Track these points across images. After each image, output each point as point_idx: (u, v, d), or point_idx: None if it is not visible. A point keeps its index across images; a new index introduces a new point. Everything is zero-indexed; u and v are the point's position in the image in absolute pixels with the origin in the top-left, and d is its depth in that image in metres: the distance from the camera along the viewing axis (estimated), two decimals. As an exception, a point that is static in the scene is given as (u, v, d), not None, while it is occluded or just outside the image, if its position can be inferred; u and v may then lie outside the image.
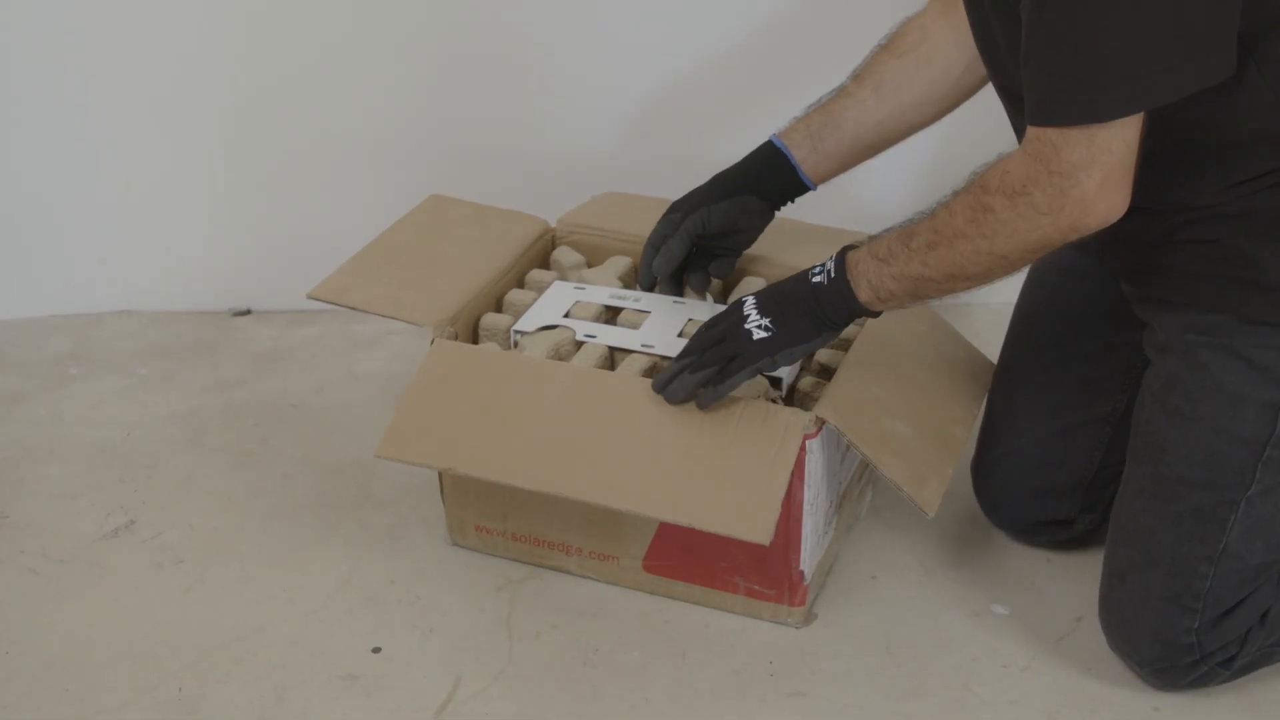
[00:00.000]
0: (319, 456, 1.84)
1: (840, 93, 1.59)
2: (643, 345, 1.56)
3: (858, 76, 1.58)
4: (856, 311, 1.39)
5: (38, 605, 1.59)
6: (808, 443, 1.43)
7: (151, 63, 2.03)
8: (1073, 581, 1.62)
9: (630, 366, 1.53)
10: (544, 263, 1.79)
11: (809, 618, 1.56)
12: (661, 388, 1.44)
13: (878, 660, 1.51)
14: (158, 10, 1.99)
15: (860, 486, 1.70)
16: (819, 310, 1.40)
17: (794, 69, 2.06)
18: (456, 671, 1.49)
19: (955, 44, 1.54)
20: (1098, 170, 1.21)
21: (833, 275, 1.38)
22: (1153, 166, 1.30)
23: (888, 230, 1.38)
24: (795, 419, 1.42)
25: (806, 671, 1.49)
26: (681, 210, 1.61)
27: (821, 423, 1.43)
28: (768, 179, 1.60)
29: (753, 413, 1.44)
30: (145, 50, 2.02)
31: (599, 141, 2.11)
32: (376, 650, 1.52)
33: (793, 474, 1.41)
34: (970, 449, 1.66)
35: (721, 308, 1.49)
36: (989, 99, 1.53)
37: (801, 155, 1.59)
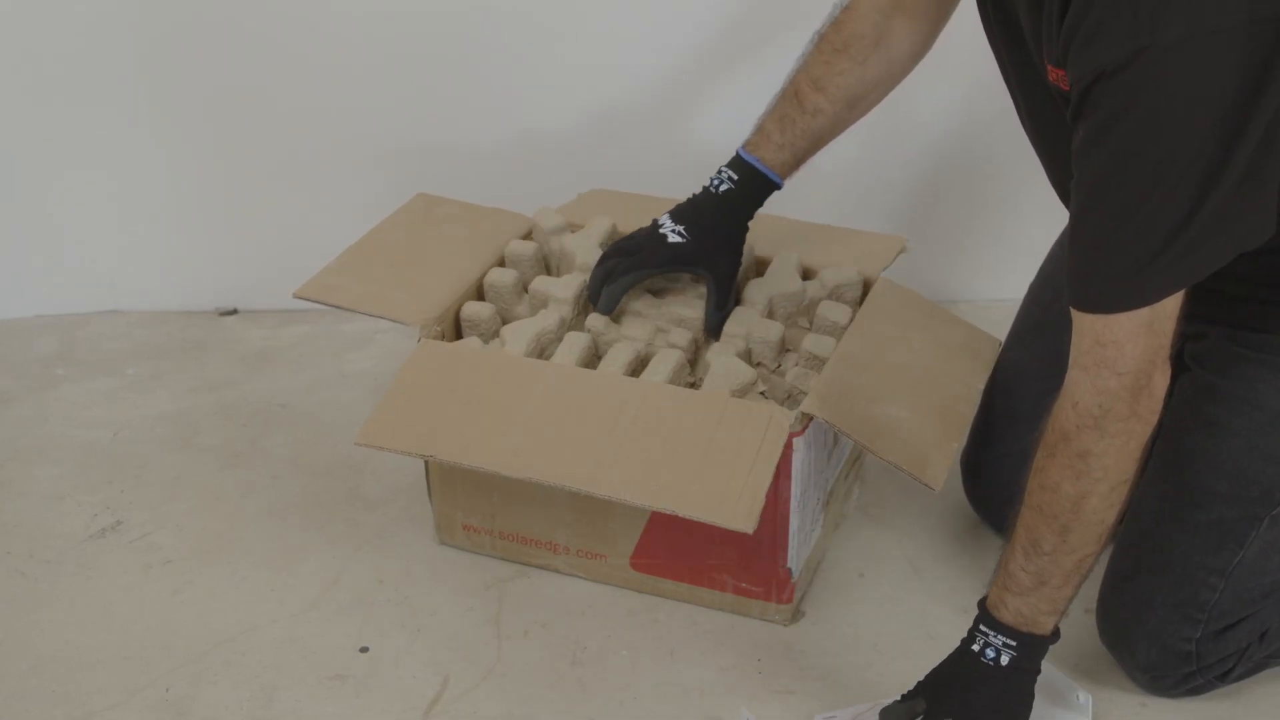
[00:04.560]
0: (308, 457, 1.84)
1: (814, 111, 1.54)
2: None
3: (823, 89, 1.53)
4: (1051, 643, 1.31)
5: (26, 607, 1.59)
6: (794, 440, 1.43)
7: (139, 63, 2.03)
8: (1060, 577, 1.62)
9: (615, 359, 1.53)
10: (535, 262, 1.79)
11: (797, 615, 1.57)
12: None
13: (865, 657, 1.51)
14: (145, 11, 1.99)
15: (848, 484, 1.70)
16: (1027, 677, 1.31)
17: (778, 65, 2.06)
18: (445, 671, 1.49)
19: (910, 38, 1.53)
20: (1147, 351, 1.19)
21: (1015, 645, 1.29)
22: None
23: (1004, 562, 1.30)
24: (781, 416, 1.42)
25: (794, 669, 1.50)
26: (640, 266, 1.58)
27: (808, 420, 1.44)
28: (750, 206, 1.58)
29: (739, 408, 1.44)
30: (132, 51, 2.02)
31: (586, 140, 2.11)
32: (365, 650, 1.52)
33: (779, 471, 1.42)
34: (963, 446, 1.65)
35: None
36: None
37: (785, 177, 1.57)
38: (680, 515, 1.36)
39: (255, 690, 1.47)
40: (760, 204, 1.58)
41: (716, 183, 1.56)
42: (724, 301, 1.58)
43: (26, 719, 1.43)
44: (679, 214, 1.58)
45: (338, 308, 1.62)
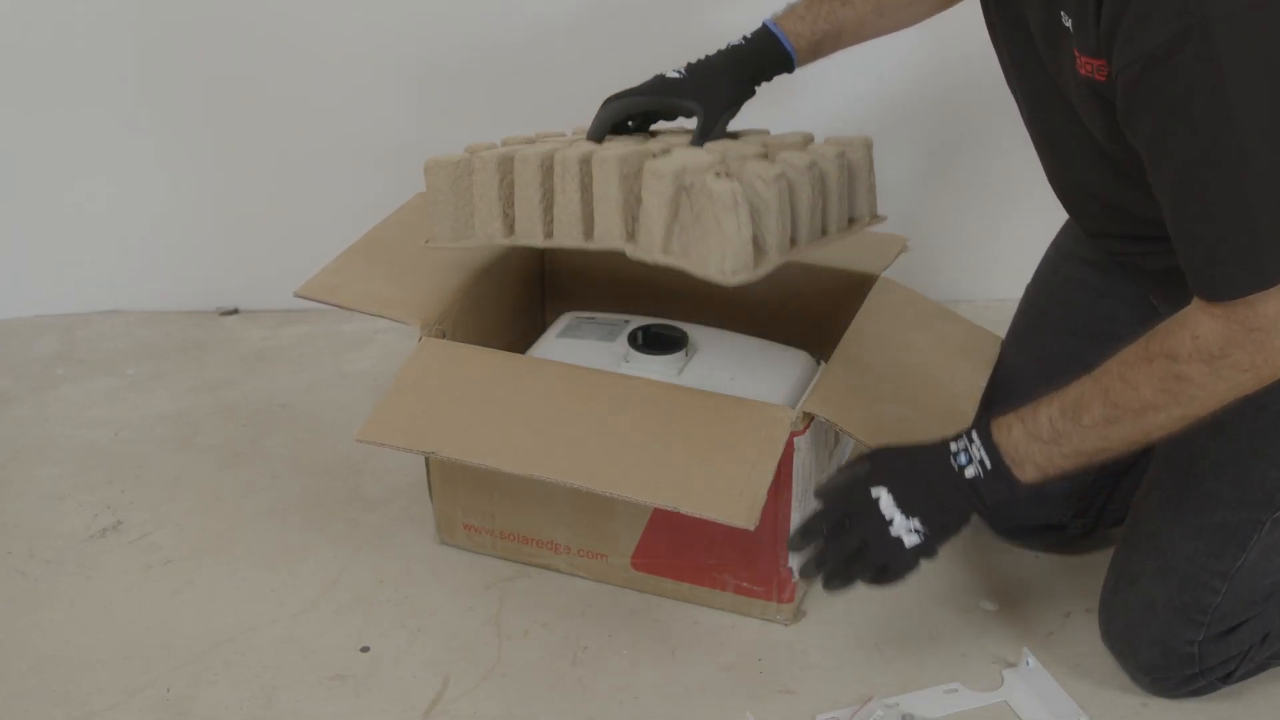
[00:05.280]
0: (308, 456, 1.84)
1: (845, 1, 1.53)
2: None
3: None
4: (1017, 494, 1.31)
5: (26, 607, 1.59)
6: (795, 440, 1.43)
7: (139, 63, 2.03)
8: (1061, 578, 1.62)
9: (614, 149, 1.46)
10: (532, 260, 1.79)
11: (798, 614, 1.56)
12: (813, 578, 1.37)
13: (866, 656, 1.51)
14: (145, 11, 1.99)
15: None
16: (979, 502, 1.31)
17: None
18: (445, 670, 1.49)
19: None
20: None
21: (989, 465, 1.29)
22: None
23: (1033, 405, 1.29)
24: (783, 415, 1.42)
25: (795, 668, 1.50)
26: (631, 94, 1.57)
27: (809, 419, 1.44)
28: (760, 67, 1.55)
29: (740, 406, 1.44)
30: (133, 51, 2.02)
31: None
32: (365, 650, 1.52)
33: (780, 471, 1.42)
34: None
35: None
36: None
37: (800, 56, 1.54)
38: (681, 512, 1.36)
39: (255, 690, 1.46)
40: (769, 72, 1.53)
41: (731, 43, 1.52)
42: (709, 134, 1.52)
43: (26, 719, 1.43)
44: (687, 65, 1.54)
45: (338, 307, 1.62)
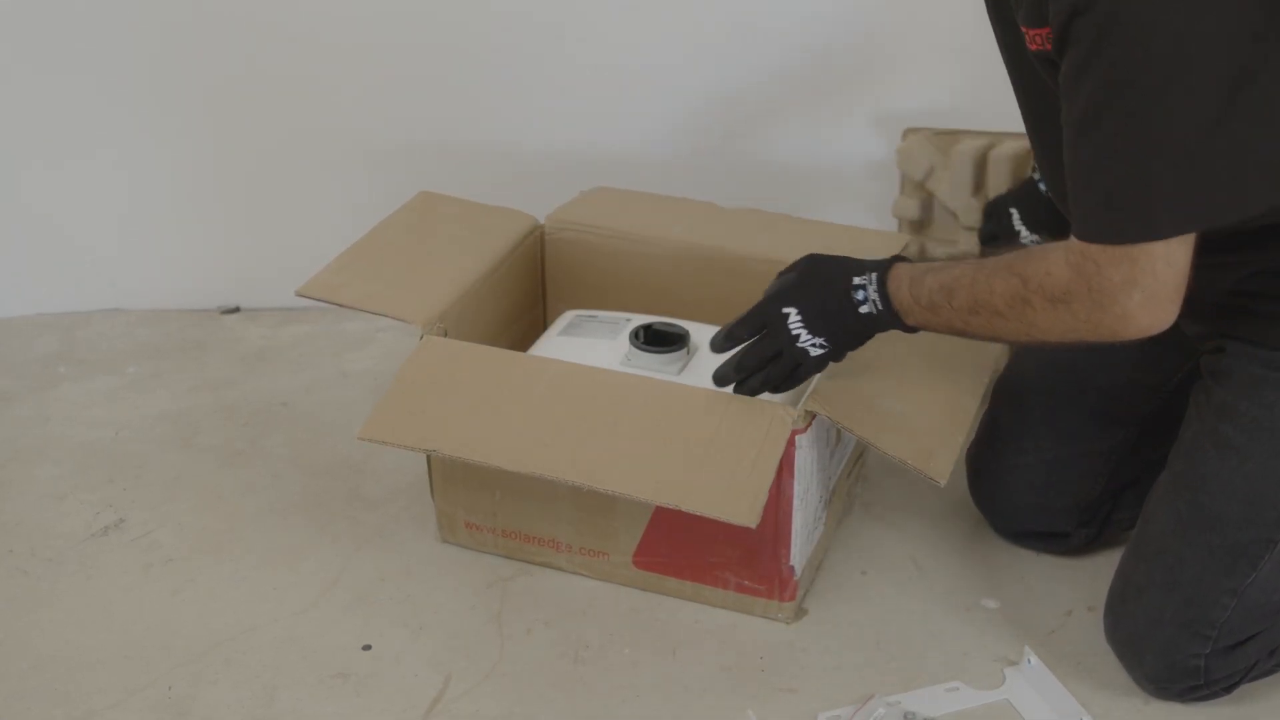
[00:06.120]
0: (309, 455, 1.84)
1: None
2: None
3: None
4: (908, 331, 1.41)
5: (27, 606, 1.58)
6: (797, 438, 1.42)
7: (140, 62, 2.03)
8: (1063, 576, 1.62)
9: None
10: (533, 258, 1.79)
11: (799, 613, 1.56)
12: (724, 384, 1.46)
13: (868, 655, 1.51)
14: (147, 10, 1.99)
15: (850, 482, 1.70)
16: (869, 335, 1.42)
17: (778, 65, 2.06)
18: (447, 669, 1.49)
19: None
20: (1139, 292, 1.20)
21: (880, 307, 1.38)
22: (1221, 236, 1.28)
23: (928, 268, 1.37)
24: (784, 413, 1.42)
25: (797, 667, 1.49)
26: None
27: (811, 417, 1.43)
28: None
29: (742, 404, 1.44)
30: (134, 50, 2.02)
31: (588, 138, 2.11)
32: (367, 648, 1.52)
33: (782, 469, 1.41)
34: (969, 441, 1.65)
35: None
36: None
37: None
38: (683, 510, 1.36)
39: (256, 690, 1.46)
40: None
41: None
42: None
43: (26, 718, 1.43)
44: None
45: (340, 306, 1.62)
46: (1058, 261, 1.25)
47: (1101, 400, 1.57)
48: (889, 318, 1.39)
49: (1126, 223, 1.19)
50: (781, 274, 1.46)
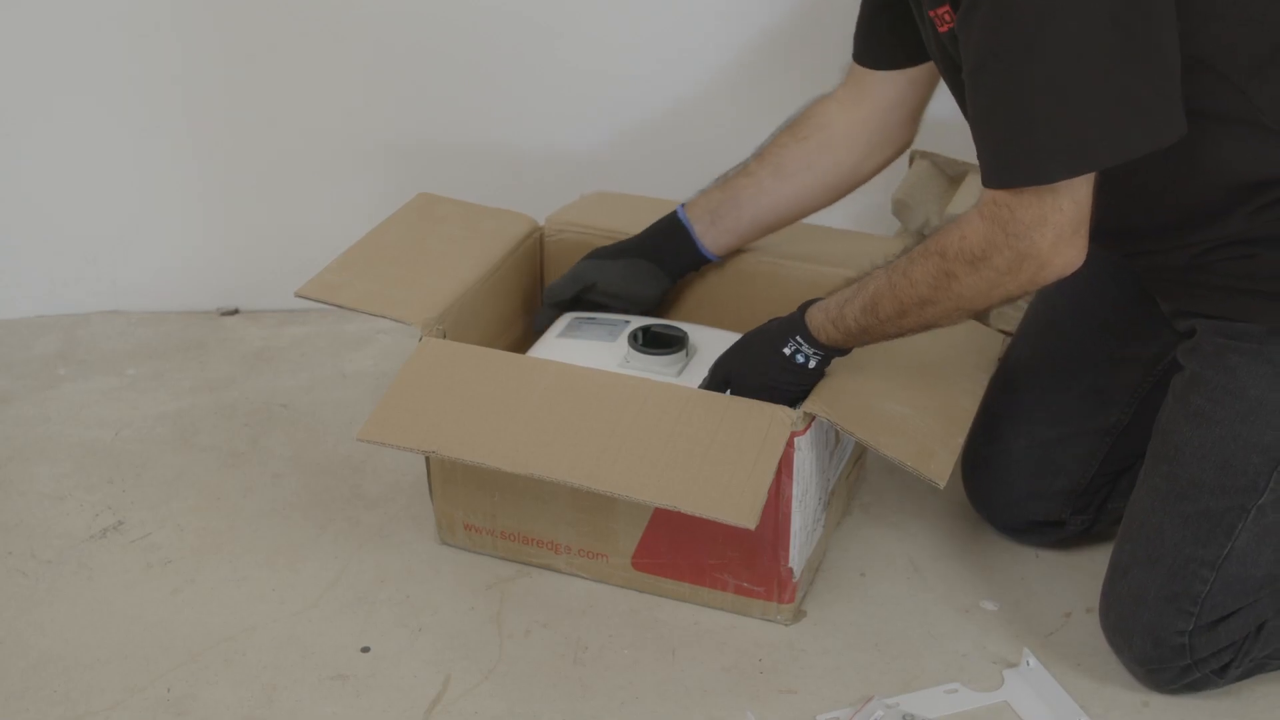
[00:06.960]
0: (309, 456, 1.84)
1: (742, 171, 1.64)
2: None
3: (760, 156, 1.64)
4: (848, 354, 1.48)
5: (26, 606, 1.58)
6: (796, 440, 1.43)
7: (138, 62, 2.03)
8: (1062, 577, 1.62)
9: None
10: (532, 260, 1.79)
11: (798, 615, 1.56)
12: None
13: (867, 656, 1.51)
14: (146, 10, 1.99)
15: (849, 483, 1.70)
16: (821, 376, 1.48)
17: (775, 69, 2.06)
18: (446, 670, 1.49)
19: (857, 133, 1.59)
20: (1050, 229, 1.24)
21: (821, 354, 1.45)
22: (1180, 204, 1.32)
23: (844, 297, 1.41)
24: (784, 414, 1.42)
25: (796, 668, 1.50)
26: (590, 259, 1.70)
27: (810, 419, 1.44)
28: (667, 249, 1.68)
29: (741, 405, 1.44)
30: (133, 50, 2.02)
31: (587, 140, 2.11)
32: (366, 649, 1.52)
33: (781, 470, 1.42)
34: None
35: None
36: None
37: (701, 229, 1.66)
38: (682, 511, 1.36)
39: (256, 690, 1.46)
40: (684, 262, 1.68)
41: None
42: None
43: (27, 717, 1.43)
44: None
45: (339, 307, 1.62)
46: (971, 220, 1.28)
47: (1096, 377, 1.58)
48: (831, 355, 1.45)
49: (1021, 167, 1.22)
50: (713, 368, 1.51)
